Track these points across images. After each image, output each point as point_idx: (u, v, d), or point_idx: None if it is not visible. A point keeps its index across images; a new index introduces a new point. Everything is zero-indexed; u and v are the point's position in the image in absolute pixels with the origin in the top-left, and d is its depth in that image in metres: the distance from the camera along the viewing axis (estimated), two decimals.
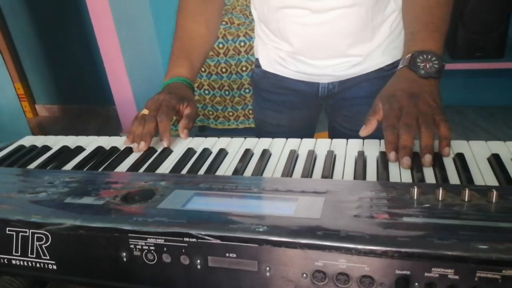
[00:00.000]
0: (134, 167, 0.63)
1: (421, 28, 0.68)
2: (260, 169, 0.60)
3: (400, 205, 0.44)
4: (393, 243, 0.38)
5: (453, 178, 0.52)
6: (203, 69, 2.33)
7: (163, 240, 0.44)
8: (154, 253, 0.45)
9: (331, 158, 0.60)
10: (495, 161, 0.54)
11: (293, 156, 0.62)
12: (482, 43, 2.00)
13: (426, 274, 0.38)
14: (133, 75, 2.49)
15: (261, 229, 0.42)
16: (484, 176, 0.52)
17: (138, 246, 0.45)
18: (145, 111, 0.72)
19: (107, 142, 0.74)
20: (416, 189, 0.45)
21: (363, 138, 0.65)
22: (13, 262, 0.51)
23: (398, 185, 0.49)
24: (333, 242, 0.39)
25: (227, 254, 0.43)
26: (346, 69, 0.89)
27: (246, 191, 0.50)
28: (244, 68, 2.31)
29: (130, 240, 0.45)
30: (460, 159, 0.55)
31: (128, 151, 0.69)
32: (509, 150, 0.58)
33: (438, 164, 0.54)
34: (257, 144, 0.68)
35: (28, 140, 0.78)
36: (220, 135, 2.95)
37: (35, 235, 0.48)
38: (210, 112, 2.50)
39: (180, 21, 0.86)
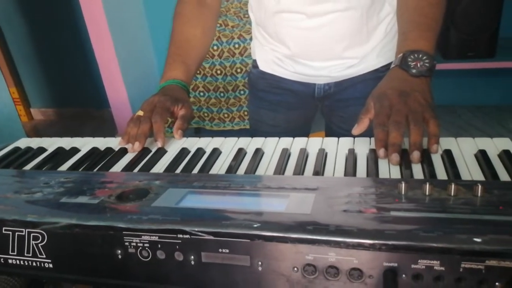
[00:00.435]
0: (129, 167, 0.64)
1: (413, 29, 0.69)
2: (253, 167, 0.61)
3: (388, 200, 0.45)
4: (381, 236, 0.39)
5: (441, 174, 0.54)
6: (198, 71, 2.34)
7: (157, 237, 0.45)
8: (148, 250, 0.46)
9: (322, 156, 0.61)
10: (482, 157, 0.55)
11: (285, 155, 0.63)
12: (474, 43, 2.02)
13: (413, 266, 0.39)
14: (127, 77, 2.50)
15: (253, 225, 0.43)
16: (471, 171, 0.53)
17: (133, 244, 0.46)
18: (140, 113, 0.73)
19: (102, 143, 0.75)
20: (403, 185, 0.46)
21: (354, 137, 0.66)
22: (10, 261, 0.51)
23: (387, 181, 0.51)
24: (322, 236, 0.40)
25: (220, 250, 0.44)
26: (341, 70, 0.91)
27: (239, 189, 0.51)
28: (238, 70, 2.33)
29: (125, 237, 0.46)
30: (447, 156, 0.56)
31: (123, 151, 0.70)
32: (496, 146, 0.59)
33: (426, 160, 0.55)
34: (250, 143, 0.69)
35: (24, 142, 0.79)
36: (215, 136, 2.95)
37: (31, 234, 0.49)
38: (205, 114, 2.51)
39: (176, 25, 0.87)
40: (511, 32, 2.26)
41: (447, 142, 0.61)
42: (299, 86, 0.96)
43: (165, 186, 0.53)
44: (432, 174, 0.53)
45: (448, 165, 0.54)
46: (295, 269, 0.42)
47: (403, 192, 0.46)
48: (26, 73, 3.20)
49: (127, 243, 0.46)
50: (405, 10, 0.73)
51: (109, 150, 0.71)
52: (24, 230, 0.50)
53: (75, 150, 0.73)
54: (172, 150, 0.69)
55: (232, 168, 0.61)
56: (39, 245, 0.49)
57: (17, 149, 0.75)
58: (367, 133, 0.65)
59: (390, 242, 0.38)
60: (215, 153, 0.66)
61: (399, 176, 0.54)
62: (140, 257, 0.46)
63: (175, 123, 0.74)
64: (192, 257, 0.44)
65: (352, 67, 0.90)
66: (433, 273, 0.38)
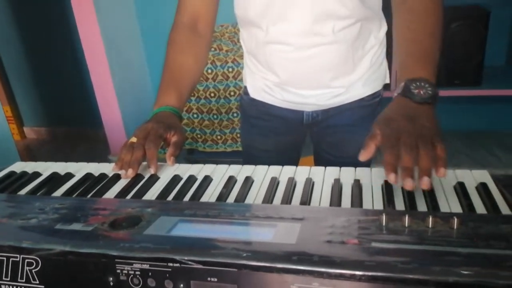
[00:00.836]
0: (122, 193, 0.66)
1: (412, 58, 0.72)
2: (243, 195, 0.63)
3: (370, 231, 0.47)
4: (361, 267, 0.41)
5: (421, 205, 0.56)
6: (191, 94, 2.37)
7: (148, 265, 0.47)
8: (139, 277, 0.47)
9: (309, 185, 0.64)
10: (460, 189, 0.58)
11: (274, 183, 0.66)
12: (461, 71, 2.08)
13: None
14: (122, 98, 2.52)
15: (241, 254, 0.45)
16: (449, 203, 0.56)
17: (124, 271, 0.48)
18: (134, 139, 0.75)
19: (96, 168, 0.77)
20: (384, 216, 0.49)
21: (341, 166, 0.69)
22: (3, 287, 0.52)
23: (369, 211, 0.53)
24: (306, 266, 0.42)
25: (208, 278, 0.45)
26: (329, 99, 0.94)
27: (228, 218, 0.53)
28: (232, 93, 2.37)
29: (117, 265, 0.47)
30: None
31: (117, 177, 0.72)
32: (474, 178, 0.62)
33: (407, 192, 0.58)
34: (241, 171, 0.72)
35: (19, 166, 0.80)
36: (208, 158, 2.94)
37: (26, 260, 0.51)
38: (199, 136, 2.54)
39: (170, 52, 0.90)
40: (496, 60, 2.33)
41: None
42: (288, 113, 1.00)
43: (157, 213, 0.55)
44: (413, 205, 0.56)
45: (428, 197, 0.57)
46: None
47: (384, 224, 0.49)
48: (21, 91, 3.22)
49: (119, 271, 0.48)
50: (403, 41, 0.76)
51: (103, 176, 0.73)
52: (18, 256, 0.51)
53: (69, 176, 0.74)
54: (165, 177, 0.71)
55: (222, 196, 0.63)
56: (33, 271, 0.51)
57: (12, 173, 0.77)
58: (352, 162, 0.67)
59: (369, 273, 0.41)
60: (207, 180, 0.69)
61: (381, 207, 0.57)
62: (132, 285, 0.48)
63: (168, 149, 0.76)
64: (182, 285, 0.46)
65: (339, 96, 0.94)
66: None
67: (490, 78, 2.18)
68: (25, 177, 0.75)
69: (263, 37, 0.88)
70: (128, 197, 0.65)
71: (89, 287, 0.49)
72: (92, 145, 3.02)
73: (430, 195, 0.57)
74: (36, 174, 0.76)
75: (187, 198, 0.64)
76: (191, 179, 0.69)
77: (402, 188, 0.60)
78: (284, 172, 0.70)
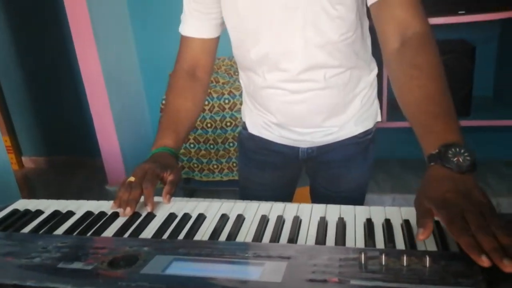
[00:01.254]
0: (120, 231, 0.70)
1: (435, 120, 0.67)
2: (234, 233, 0.67)
3: (350, 269, 0.51)
4: None
5: (400, 243, 0.60)
6: (189, 134, 2.43)
7: None
8: None
9: (296, 223, 0.68)
10: (436, 227, 0.62)
11: (264, 221, 0.70)
12: None
13: None
14: (120, 128, 2.58)
15: None
16: (425, 241, 0.60)
17: None
18: (132, 178, 0.79)
19: (95, 206, 0.81)
20: (363, 255, 0.53)
21: (327, 204, 0.73)
22: None
23: (351, 250, 0.57)
24: None
25: None
26: (322, 136, 1.00)
27: (220, 256, 0.57)
28: (228, 124, 2.42)
29: None
30: (406, 226, 0.63)
31: (115, 215, 0.76)
32: None
33: (386, 230, 0.62)
34: (233, 208, 0.76)
35: (22, 204, 0.84)
36: (205, 187, 2.96)
37: None
38: (195, 165, 2.58)
39: (169, 97, 0.96)
40: (484, 92, 2.42)
41: (407, 212, 0.68)
42: (284, 148, 1.05)
43: (153, 252, 0.59)
44: (392, 243, 0.60)
45: (406, 235, 0.61)
46: None
47: (363, 262, 0.53)
48: (20, 121, 3.28)
49: None
50: (413, 99, 0.71)
51: (102, 214, 0.77)
52: None
53: (70, 213, 0.78)
54: (161, 214, 0.75)
55: (215, 234, 0.67)
56: None
57: (16, 211, 0.81)
58: (325, 199, 0.70)
59: None
60: (200, 218, 0.73)
61: (363, 245, 0.61)
62: None
63: (164, 188, 0.81)
64: None
65: (332, 134, 1.00)
66: None
67: (478, 108, 2.26)
68: (28, 215, 0.78)
69: (260, 82, 0.94)
70: (126, 235, 0.69)
71: None
72: (90, 173, 3.05)
73: (408, 233, 0.61)
74: (39, 212, 0.80)
75: (182, 235, 0.68)
76: (186, 217, 0.73)
77: (382, 226, 0.65)
78: (274, 209, 0.74)
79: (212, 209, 0.76)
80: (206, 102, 2.39)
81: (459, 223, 0.54)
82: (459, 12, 1.99)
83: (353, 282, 0.49)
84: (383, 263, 0.52)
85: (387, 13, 0.77)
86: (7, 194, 2.12)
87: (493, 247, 0.49)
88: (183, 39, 0.97)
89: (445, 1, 2.04)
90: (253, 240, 0.65)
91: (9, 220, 0.77)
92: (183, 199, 0.88)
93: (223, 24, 0.94)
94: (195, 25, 0.94)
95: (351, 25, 0.85)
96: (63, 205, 0.82)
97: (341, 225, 0.66)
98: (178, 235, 0.68)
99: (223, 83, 2.40)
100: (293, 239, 0.64)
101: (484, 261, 0.49)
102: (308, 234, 0.65)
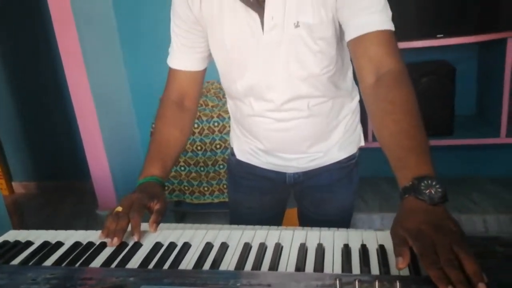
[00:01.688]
0: (108, 261, 0.72)
1: (408, 153, 0.69)
2: (217, 261, 0.70)
3: None
4: None
5: (375, 268, 0.63)
6: (176, 162, 2.46)
7: None
8: None
9: (278, 250, 0.71)
10: (411, 252, 0.65)
11: (246, 249, 0.72)
12: (432, 122, 2.21)
13: None
14: (111, 152, 2.60)
15: None
16: None
17: None
18: (119, 208, 0.82)
19: (84, 236, 0.83)
20: (338, 281, 0.56)
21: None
22: None
23: (327, 276, 0.60)
24: None
25: None
26: (308, 162, 1.04)
27: (203, 286, 0.60)
28: (218, 146, 2.46)
29: None
30: (381, 251, 0.66)
31: (103, 245, 0.78)
32: None
33: (362, 255, 0.65)
34: (217, 236, 0.78)
35: (12, 235, 0.86)
36: (195, 209, 2.96)
37: None
38: (186, 187, 2.60)
39: (158, 126, 0.99)
40: (467, 110, 2.48)
41: (383, 236, 0.71)
42: (271, 174, 1.09)
43: (139, 282, 0.62)
44: (367, 267, 0.63)
45: (380, 260, 0.64)
46: None
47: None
48: (10, 146, 3.28)
49: None
50: (389, 134, 0.74)
51: (90, 244, 0.79)
52: None
53: (59, 244, 0.80)
54: (147, 244, 0.78)
55: (199, 262, 0.70)
56: None
57: (6, 243, 0.83)
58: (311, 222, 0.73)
59: None
60: (185, 246, 0.75)
61: (340, 270, 0.64)
62: None
63: (150, 217, 0.83)
64: None
65: (317, 159, 1.04)
66: None
67: (462, 127, 2.32)
68: (18, 247, 0.80)
69: (247, 111, 0.98)
70: (113, 265, 0.71)
71: None
72: (80, 198, 3.05)
73: (383, 258, 0.65)
74: (28, 243, 0.82)
75: (167, 265, 0.70)
76: (171, 245, 0.76)
77: (359, 251, 0.68)
78: (257, 236, 0.77)
79: (197, 237, 0.79)
80: (196, 125, 2.42)
81: (430, 256, 0.56)
82: (438, 35, 2.06)
83: None
84: None
85: (363, 50, 0.80)
86: None
87: (459, 279, 0.53)
88: (171, 71, 1.00)
89: (424, 25, 2.12)
90: (236, 268, 0.68)
91: None
92: (170, 225, 0.91)
93: (210, 56, 0.99)
94: (182, 58, 0.98)
95: (332, 59, 0.90)
96: (52, 235, 0.84)
97: (320, 251, 0.69)
98: (163, 265, 0.71)
99: (212, 106, 2.44)
100: (273, 266, 0.67)
101: None
102: (288, 260, 0.68)
